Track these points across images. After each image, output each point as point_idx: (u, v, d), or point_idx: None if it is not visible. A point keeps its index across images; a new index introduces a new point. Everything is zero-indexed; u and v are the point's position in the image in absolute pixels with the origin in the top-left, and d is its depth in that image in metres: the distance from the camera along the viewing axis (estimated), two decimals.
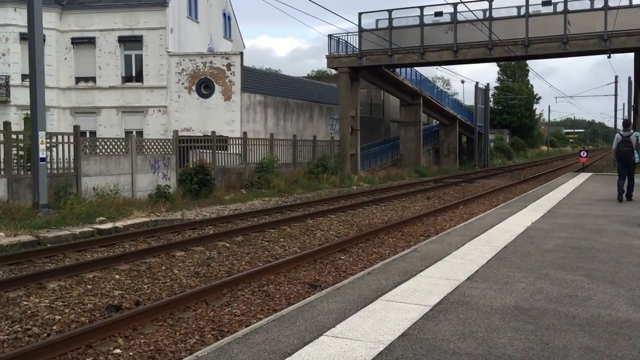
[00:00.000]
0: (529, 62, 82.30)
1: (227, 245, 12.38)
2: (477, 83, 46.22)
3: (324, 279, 9.75)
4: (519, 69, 79.79)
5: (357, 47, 31.37)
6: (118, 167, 18.30)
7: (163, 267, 10.16)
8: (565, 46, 27.63)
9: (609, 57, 28.20)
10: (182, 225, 14.72)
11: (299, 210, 18.37)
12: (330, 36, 31.80)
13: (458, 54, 29.63)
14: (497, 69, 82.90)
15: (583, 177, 25.62)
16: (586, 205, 14.31)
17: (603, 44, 27.05)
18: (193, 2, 30.82)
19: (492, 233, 9.88)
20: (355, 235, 13.62)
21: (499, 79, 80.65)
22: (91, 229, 13.39)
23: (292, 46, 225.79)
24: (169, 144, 20.52)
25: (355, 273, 9.67)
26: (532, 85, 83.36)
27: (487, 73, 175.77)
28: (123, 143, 18.79)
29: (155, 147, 20.23)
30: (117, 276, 9.50)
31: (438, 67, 35.14)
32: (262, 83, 30.61)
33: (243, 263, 10.72)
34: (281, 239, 13.21)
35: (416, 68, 37.47)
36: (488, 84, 47.08)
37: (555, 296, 5.86)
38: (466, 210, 19.32)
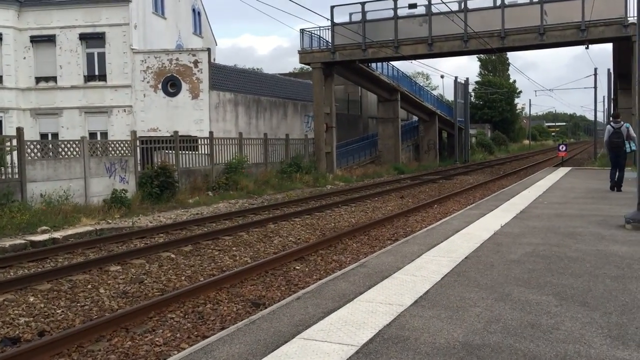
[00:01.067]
0: (509, 56, 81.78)
1: (173, 256, 11.23)
2: (456, 77, 45.34)
3: (272, 294, 8.66)
4: (499, 64, 79.15)
5: (330, 41, 30.25)
6: (69, 172, 17.03)
7: (89, 286, 8.99)
8: (542, 37, 26.69)
9: (587, 48, 27.35)
10: (130, 233, 13.52)
11: (263, 214, 17.25)
12: (302, 31, 30.64)
13: (433, 47, 28.61)
14: (479, 63, 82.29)
15: (562, 172, 24.71)
16: (562, 203, 13.31)
17: (581, 34, 26.14)
18: None
19: (455, 240, 8.81)
20: (316, 241, 12.54)
21: (480, 74, 79.93)
22: (24, 241, 12.15)
23: (274, 44, 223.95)
24: (126, 145, 19.27)
25: (308, 285, 8.62)
26: (514, 80, 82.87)
27: (469, 68, 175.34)
28: (74, 145, 17.51)
29: (110, 149, 18.98)
30: (32, 298, 8.32)
31: (415, 61, 34.12)
32: (233, 80, 29.38)
33: (183, 278, 9.58)
34: (234, 248, 12.08)
35: (395, 64, 36.46)
36: (467, 79, 46.23)
37: (515, 326, 4.79)
38: (440, 209, 18.33)
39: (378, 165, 36.86)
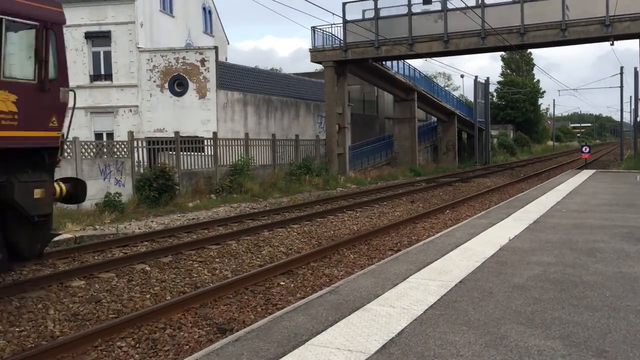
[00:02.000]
0: (533, 54, 79.57)
1: (148, 268, 10.13)
2: (476, 77, 43.71)
3: (245, 316, 7.53)
4: (523, 63, 76.97)
5: (342, 39, 29.03)
6: (59, 174, 16.06)
7: (40, 305, 7.93)
8: (564, 33, 25.11)
9: (611, 44, 25.67)
10: (110, 242, 12.47)
11: (262, 219, 16.08)
12: (313, 28, 29.47)
13: (449, 45, 27.19)
14: (502, 63, 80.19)
15: (584, 175, 23.12)
16: (582, 212, 11.92)
17: (605, 29, 24.50)
18: None
19: (452, 257, 7.56)
20: (309, 252, 11.36)
21: (502, 74, 77.84)
22: None
23: (295, 46, 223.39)
24: (122, 146, 18.31)
25: (291, 303, 7.47)
26: (538, 80, 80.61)
27: (492, 69, 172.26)
28: (65, 147, 16.57)
29: (106, 150, 18.04)
30: None
31: (436, 62, 32.71)
32: (242, 80, 28.32)
33: (148, 296, 8.47)
34: (217, 259, 10.95)
35: (415, 64, 35.18)
36: (488, 78, 44.55)
37: None
38: (452, 215, 17.00)
39: (394, 166, 35.49)
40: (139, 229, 14.51)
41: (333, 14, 25.44)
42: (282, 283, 9.32)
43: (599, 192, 15.85)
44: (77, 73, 26.58)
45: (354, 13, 28.42)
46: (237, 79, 27.87)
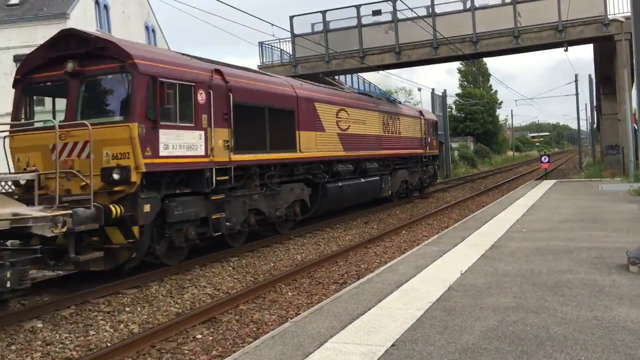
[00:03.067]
0: (488, 65, 79.76)
1: (39, 325, 8.34)
2: (433, 90, 42.87)
3: None
4: (480, 75, 77.01)
5: (291, 54, 27.69)
6: None
7: None
8: (518, 40, 24.22)
9: (565, 50, 24.85)
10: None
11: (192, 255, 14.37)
12: (261, 44, 28.06)
13: (401, 56, 26.06)
14: (459, 75, 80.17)
15: (545, 186, 22.04)
16: (545, 231, 10.57)
17: (558, 35, 23.69)
18: (104, 14, 26.86)
19: (390, 304, 6.04)
20: (239, 292, 9.74)
21: (460, 86, 77.75)
22: None
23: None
24: None
25: None
26: (495, 91, 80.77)
27: (451, 82, 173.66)
28: None
29: None
30: None
31: (397, 77, 31.59)
32: None
33: None
34: (129, 307, 9.19)
35: (374, 79, 33.98)
36: (445, 90, 43.74)
37: None
38: (408, 236, 15.61)
39: None
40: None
41: (280, 27, 24.07)
42: (198, 336, 7.69)
43: (561, 206, 14.63)
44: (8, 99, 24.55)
45: (303, 27, 27.07)
46: None
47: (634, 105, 22.27)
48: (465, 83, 77.75)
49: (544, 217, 12.48)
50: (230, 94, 12.00)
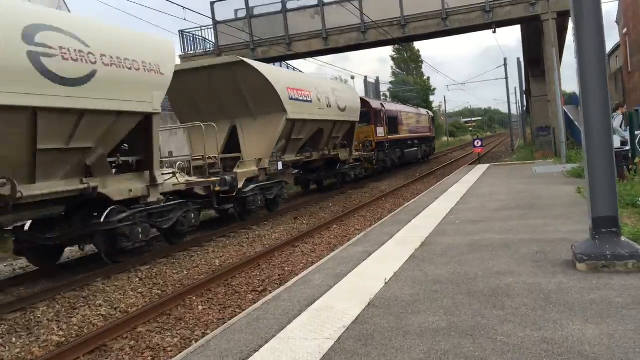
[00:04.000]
0: (420, 53, 79.85)
1: None
2: (365, 77, 42.06)
3: None
4: (412, 62, 77.04)
5: (215, 42, 25.98)
6: None
7: None
8: (446, 22, 23.42)
9: (494, 31, 24.29)
10: None
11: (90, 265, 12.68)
12: (182, 32, 26.20)
13: (329, 42, 24.83)
14: (392, 63, 79.91)
15: (479, 171, 21.36)
16: (479, 222, 9.55)
17: (486, 16, 23.04)
18: None
19: (293, 332, 4.74)
20: (140, 310, 8.27)
21: (393, 73, 77.51)
22: None
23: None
24: None
25: None
26: (428, 77, 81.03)
27: (385, 71, 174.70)
28: None
29: None
30: None
31: (333, 66, 30.33)
32: None
33: None
34: (3, 338, 7.60)
35: (305, 67, 32.68)
36: (378, 78, 43.04)
37: None
38: (340, 230, 14.47)
39: None
40: None
41: (202, 14, 22.33)
42: None
43: (495, 192, 13.77)
44: None
45: (226, 13, 25.40)
46: None
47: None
48: (398, 70, 77.57)
49: (478, 205, 11.51)
50: (385, 113, 28.19)
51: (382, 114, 28.08)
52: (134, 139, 11.79)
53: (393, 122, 30.16)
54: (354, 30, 24.40)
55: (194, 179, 13.52)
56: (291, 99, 16.88)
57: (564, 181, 15.14)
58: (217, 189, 14.21)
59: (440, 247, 7.68)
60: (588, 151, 5.96)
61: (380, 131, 27.71)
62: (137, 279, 10.58)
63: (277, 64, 29.03)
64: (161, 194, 12.06)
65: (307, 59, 25.68)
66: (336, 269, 7.03)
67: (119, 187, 11.31)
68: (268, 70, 16.50)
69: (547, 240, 7.50)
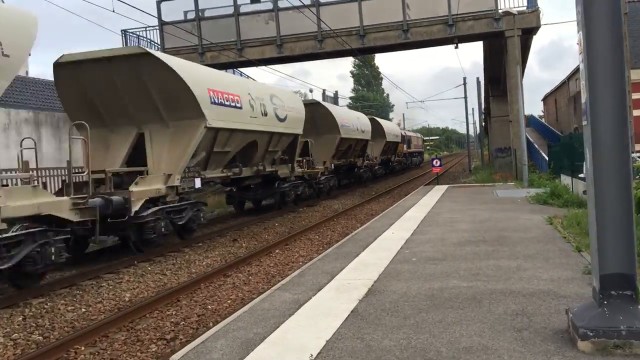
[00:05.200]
0: (381, 70, 79.11)
1: None
2: (324, 90, 40.55)
3: None
4: (373, 78, 76.10)
5: (160, 44, 23.88)
6: None
7: None
8: (407, 34, 21.97)
9: (456, 47, 23.01)
10: None
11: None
12: (124, 32, 24.00)
13: (283, 49, 23.05)
14: (352, 79, 78.87)
15: (437, 192, 19.81)
16: (440, 261, 7.79)
17: (449, 30, 21.68)
18: None
19: None
20: None
21: (353, 89, 76.41)
22: None
23: None
24: None
25: None
26: (387, 95, 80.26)
27: (345, 86, 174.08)
28: None
29: None
30: None
31: (294, 79, 28.51)
32: (34, 94, 22.08)
33: None
34: None
35: (265, 79, 30.79)
36: (337, 92, 41.60)
37: None
38: (282, 257, 12.56)
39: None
40: None
41: (149, 14, 20.33)
42: None
43: (457, 219, 12.12)
44: None
45: (174, 14, 23.34)
46: (25, 93, 21.61)
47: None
48: (359, 87, 76.50)
49: (438, 237, 9.79)
50: (405, 136, 47.24)
51: (405, 138, 45.94)
52: None
53: (408, 142, 48.78)
54: (310, 38, 22.71)
55: (63, 199, 10.25)
56: (214, 103, 13.67)
57: (529, 208, 13.67)
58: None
59: (392, 298, 5.86)
60: (596, 181, 4.26)
61: (405, 147, 45.72)
62: (21, 318, 8.40)
63: (230, 71, 27.08)
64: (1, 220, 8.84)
65: (263, 69, 23.85)
66: (250, 330, 5.11)
67: None
68: (181, 66, 13.07)
69: (526, 294, 5.77)
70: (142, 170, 12.71)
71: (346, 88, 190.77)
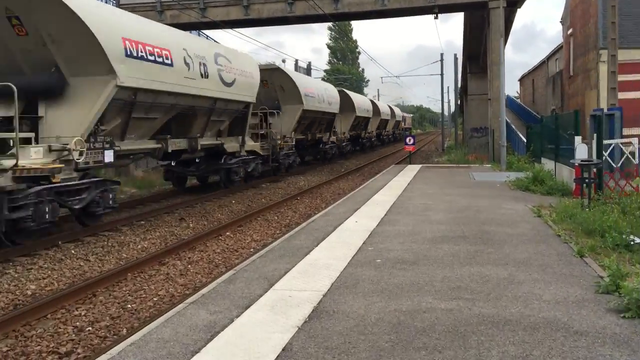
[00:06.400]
0: (358, 42, 76.93)
1: None
2: (296, 60, 38.44)
3: None
4: (349, 51, 73.91)
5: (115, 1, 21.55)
6: None
7: None
8: (384, 1, 20.09)
9: (435, 17, 21.18)
10: None
11: None
12: None
13: (250, 11, 20.96)
14: (328, 51, 76.56)
15: (410, 173, 18.19)
16: (412, 265, 6.11)
17: None
18: None
19: None
20: None
21: (329, 62, 74.17)
22: None
23: None
24: None
25: None
26: (362, 69, 78.28)
27: (323, 59, 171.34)
28: None
29: None
30: None
31: (268, 48, 26.37)
32: None
33: None
34: None
35: (213, 36, 28.51)
36: (310, 63, 39.48)
37: None
38: (233, 240, 10.87)
39: None
40: None
41: None
42: None
43: (431, 206, 10.48)
44: None
45: None
46: None
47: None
48: (335, 60, 74.28)
49: (409, 229, 8.12)
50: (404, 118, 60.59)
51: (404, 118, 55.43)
52: None
53: (404, 120, 57.31)
54: (280, 0, 20.67)
55: None
56: (129, 55, 10.70)
57: (511, 195, 12.15)
58: None
59: (343, 326, 4.16)
60: None
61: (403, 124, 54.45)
62: None
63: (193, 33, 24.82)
64: None
65: (236, 36, 21.72)
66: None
67: None
68: (86, 6, 10.22)
69: (527, 325, 4.14)
70: (27, 138, 9.66)
71: (321, 61, 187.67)
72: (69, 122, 9.97)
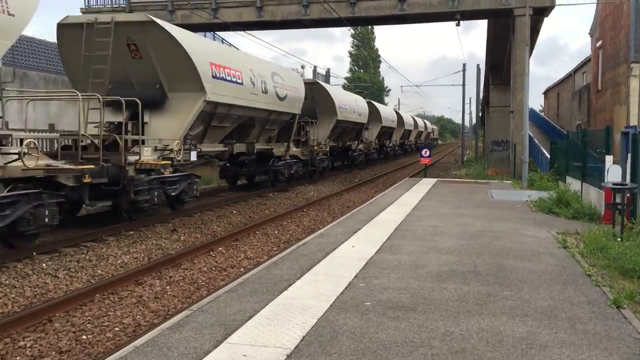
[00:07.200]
0: (379, 50, 75.71)
1: None
2: (315, 67, 37.40)
3: None
4: (371, 60, 72.73)
5: None
6: None
7: None
8: (403, 6, 18.96)
9: (457, 24, 19.96)
10: None
11: None
12: None
13: (263, 12, 19.99)
14: (350, 59, 75.47)
15: (423, 188, 16.93)
16: (408, 312, 4.91)
17: (451, 3, 18.67)
18: None
19: None
20: None
21: (350, 69, 73.04)
22: None
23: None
24: None
25: None
26: (383, 78, 77.02)
27: (344, 67, 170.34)
28: None
29: None
30: None
31: (290, 56, 25.48)
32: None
33: None
34: None
35: (252, 49, 27.77)
36: (329, 69, 38.46)
37: None
38: (224, 257, 9.93)
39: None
40: None
41: None
42: None
43: (441, 230, 9.27)
44: None
45: None
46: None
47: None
48: (356, 68, 73.17)
49: (412, 259, 6.94)
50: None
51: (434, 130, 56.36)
52: None
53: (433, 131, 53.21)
54: (295, 1, 19.66)
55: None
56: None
57: (532, 218, 10.88)
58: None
59: None
60: None
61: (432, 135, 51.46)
62: None
63: (205, 34, 23.91)
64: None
65: (260, 44, 20.78)
66: None
67: None
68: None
69: None
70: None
71: (342, 69, 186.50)
72: (169, 127, 12.48)
